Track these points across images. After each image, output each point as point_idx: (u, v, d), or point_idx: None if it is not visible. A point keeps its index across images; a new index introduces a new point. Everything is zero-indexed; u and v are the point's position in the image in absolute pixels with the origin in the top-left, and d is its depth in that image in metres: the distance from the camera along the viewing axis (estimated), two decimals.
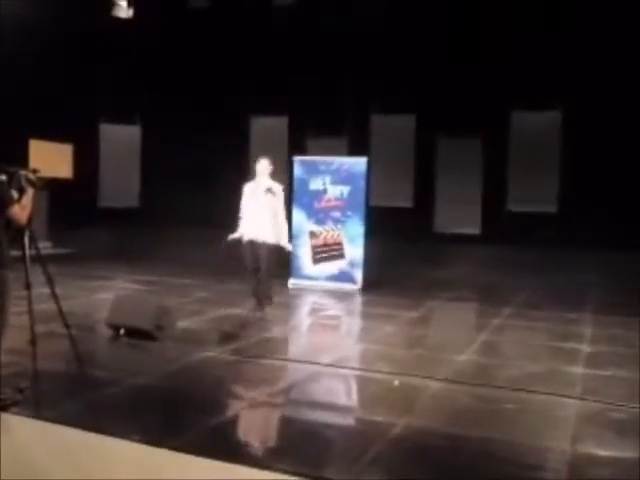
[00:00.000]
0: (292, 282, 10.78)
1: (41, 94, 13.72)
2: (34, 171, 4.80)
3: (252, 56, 14.49)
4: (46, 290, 4.91)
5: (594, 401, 5.02)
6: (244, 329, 7.37)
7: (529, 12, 12.53)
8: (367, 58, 13.59)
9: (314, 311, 9.52)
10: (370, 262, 10.68)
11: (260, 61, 14.44)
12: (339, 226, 10.75)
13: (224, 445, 4.16)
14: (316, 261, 10.87)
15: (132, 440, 3.96)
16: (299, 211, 10.91)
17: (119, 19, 13.81)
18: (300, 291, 10.44)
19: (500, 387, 5.33)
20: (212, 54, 14.96)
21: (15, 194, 4.64)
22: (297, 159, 11.27)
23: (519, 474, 3.82)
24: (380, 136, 14.66)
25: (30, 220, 4.73)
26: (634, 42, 11.83)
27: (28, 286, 4.66)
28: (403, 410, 4.75)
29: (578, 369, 6.03)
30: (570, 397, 5.10)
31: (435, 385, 5.38)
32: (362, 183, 10.66)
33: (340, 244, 10.76)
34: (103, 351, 6.46)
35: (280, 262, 7.98)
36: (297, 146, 13.85)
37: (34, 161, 12.95)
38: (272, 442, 4.32)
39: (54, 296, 4.95)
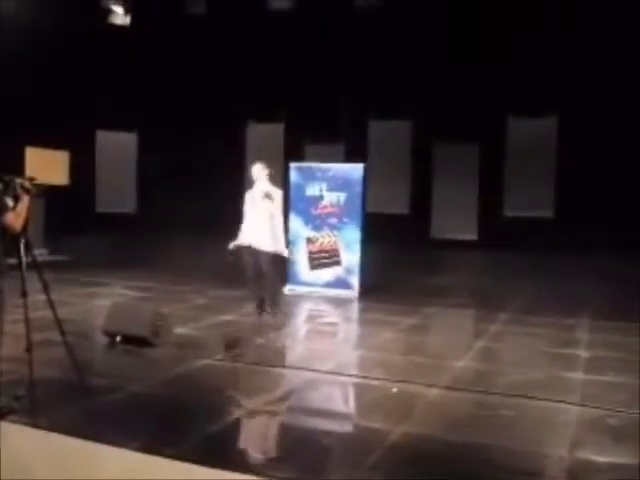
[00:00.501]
0: (289, 288, 10.76)
1: (37, 101, 13.70)
2: (30, 179, 4.79)
3: (248, 63, 14.50)
4: (42, 297, 4.88)
5: (593, 407, 5.01)
6: (241, 336, 7.35)
7: (525, 18, 12.55)
8: (364, 64, 13.60)
9: (311, 318, 9.51)
10: (367, 268, 10.67)
11: (257, 67, 14.44)
12: (336, 232, 10.74)
13: (222, 453, 4.14)
14: (313, 267, 10.87)
15: (129, 448, 3.94)
16: (296, 217, 10.91)
17: (116, 26, 13.81)
18: (297, 297, 10.43)
19: (498, 393, 5.32)
20: (209, 61, 14.96)
21: (10, 202, 4.62)
22: (294, 165, 11.27)
23: None
24: (377, 142, 14.67)
25: (26, 227, 4.71)
26: (631, 48, 11.85)
27: (24, 294, 4.63)
28: (401, 417, 4.74)
29: (577, 375, 6.02)
30: (569, 403, 5.09)
31: (433, 392, 5.37)
32: (359, 189, 10.67)
33: (337, 250, 10.76)
34: (100, 358, 6.43)
35: (280, 268, 7.93)
36: (294, 152, 13.84)
37: (30, 168, 12.95)
38: (270, 450, 4.30)
39: (50, 303, 4.93)
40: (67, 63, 14.31)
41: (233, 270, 8.47)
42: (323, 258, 10.83)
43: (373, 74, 13.67)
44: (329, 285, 10.73)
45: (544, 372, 6.14)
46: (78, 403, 4.82)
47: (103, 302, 8.71)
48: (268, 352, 6.78)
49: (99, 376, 5.55)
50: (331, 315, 9.54)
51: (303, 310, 9.92)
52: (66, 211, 14.03)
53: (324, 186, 10.81)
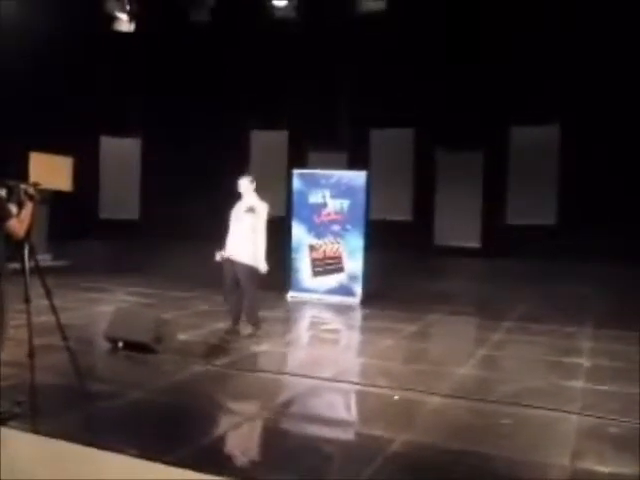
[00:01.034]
0: (291, 295, 10.78)
1: (41, 106, 13.75)
2: (34, 185, 4.81)
3: (252, 70, 14.54)
4: (45, 302, 4.90)
5: (594, 416, 5.00)
6: (243, 342, 7.35)
7: (528, 25, 12.58)
8: (367, 71, 13.64)
9: (313, 324, 9.51)
10: (369, 275, 10.68)
11: (260, 75, 14.48)
12: (339, 239, 10.76)
13: (222, 459, 4.15)
14: (315, 274, 10.88)
15: (130, 454, 3.94)
16: (299, 224, 10.93)
17: (121, 32, 13.85)
18: (299, 304, 10.44)
19: (499, 402, 5.32)
20: (212, 68, 15.00)
21: (14, 208, 4.64)
22: (297, 172, 11.29)
23: None
24: (380, 150, 14.69)
25: (29, 233, 4.73)
26: (633, 55, 11.87)
27: (27, 299, 4.65)
28: (402, 425, 4.74)
29: (578, 384, 6.02)
30: (570, 412, 5.09)
31: (434, 400, 5.36)
32: (362, 196, 10.68)
33: (339, 257, 10.77)
34: (101, 364, 6.43)
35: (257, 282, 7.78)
36: (297, 159, 13.87)
37: (34, 174, 12.98)
38: (270, 457, 4.30)
39: (53, 309, 4.94)
40: (71, 68, 14.36)
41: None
42: (326, 265, 10.84)
43: (376, 81, 13.70)
44: (332, 292, 10.74)
45: (545, 381, 6.13)
46: (79, 409, 4.83)
47: (105, 308, 8.73)
48: (270, 359, 6.79)
49: (100, 382, 5.55)
50: (333, 322, 9.54)
51: (306, 317, 9.93)
52: (69, 217, 14.07)
53: (327, 193, 10.83)
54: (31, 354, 4.60)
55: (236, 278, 7.54)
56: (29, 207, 4.68)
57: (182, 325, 7.74)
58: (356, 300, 10.53)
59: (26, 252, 4.74)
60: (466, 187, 14.04)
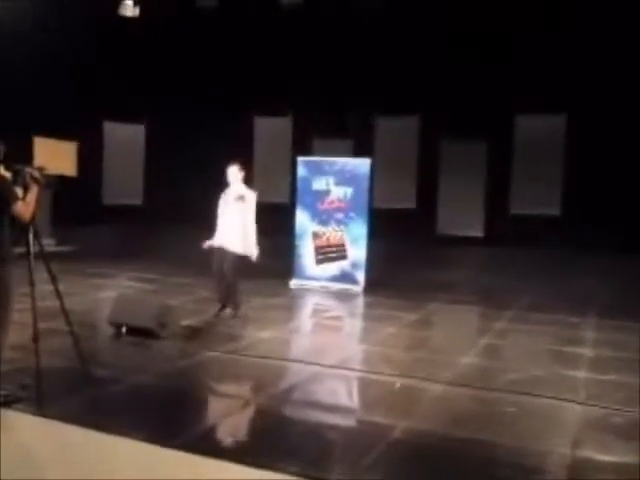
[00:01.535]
0: (294, 282, 10.79)
1: (45, 91, 13.73)
2: (40, 169, 4.81)
3: (257, 56, 14.49)
4: (49, 287, 4.91)
5: (596, 406, 5.02)
6: (246, 328, 7.38)
7: (534, 14, 12.51)
8: (372, 59, 13.58)
9: (316, 312, 9.53)
10: (373, 263, 10.68)
11: (265, 61, 14.44)
12: (342, 227, 10.75)
13: (225, 444, 4.17)
14: (319, 262, 10.89)
15: (134, 438, 3.97)
16: (302, 211, 10.93)
17: (126, 17, 13.80)
18: (302, 291, 10.45)
19: (502, 390, 5.33)
20: (217, 54, 14.96)
21: (20, 191, 4.65)
22: (301, 159, 11.27)
23: (520, 477, 3.82)
24: (384, 138, 14.67)
25: (34, 217, 4.74)
26: (639, 46, 11.81)
27: (32, 283, 4.66)
28: (404, 412, 4.76)
29: (580, 373, 6.03)
30: (572, 401, 5.10)
31: (437, 388, 5.38)
32: (365, 184, 10.67)
33: (343, 245, 10.77)
34: (105, 349, 6.46)
35: (246, 270, 7.84)
36: (301, 146, 13.85)
37: (38, 159, 12.96)
38: (274, 442, 4.32)
39: (57, 293, 4.96)
40: (75, 54, 14.32)
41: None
42: (329, 253, 10.85)
43: (381, 70, 13.65)
44: (335, 279, 10.75)
45: (548, 370, 6.14)
46: (83, 393, 4.86)
47: (109, 293, 8.76)
48: (273, 345, 6.80)
49: (104, 366, 5.58)
50: (336, 309, 9.56)
51: (308, 304, 9.94)
52: (73, 202, 14.07)
53: (331, 180, 10.81)
54: (36, 338, 4.62)
55: (223, 266, 7.60)
56: (34, 191, 4.68)
57: (186, 311, 7.77)
58: (359, 288, 10.54)
59: (31, 236, 4.76)
60: (470, 176, 14.01)
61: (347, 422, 4.83)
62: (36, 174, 4.73)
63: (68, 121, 14.15)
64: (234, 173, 7.86)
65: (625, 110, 12.19)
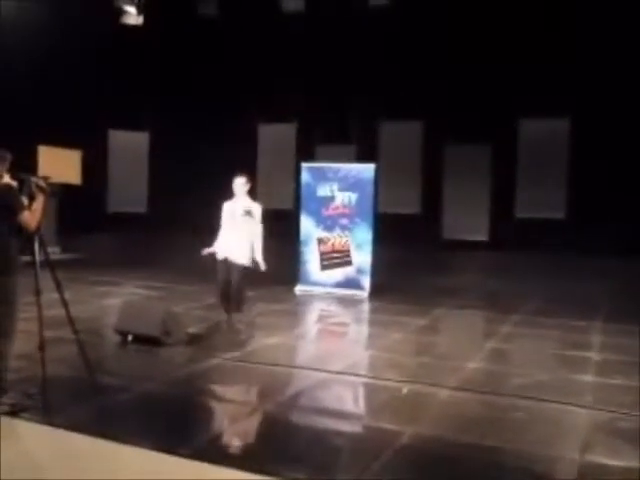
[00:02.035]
0: (299, 288, 10.79)
1: (50, 100, 13.78)
2: (45, 178, 4.82)
3: (260, 63, 14.53)
4: (55, 296, 4.92)
5: (603, 410, 5.00)
6: (252, 335, 7.37)
7: (537, 18, 12.53)
8: (376, 64, 13.61)
9: (322, 318, 9.52)
10: (378, 269, 10.67)
11: (269, 68, 14.47)
12: (347, 233, 10.75)
13: (231, 452, 4.16)
14: (324, 267, 10.88)
15: (141, 446, 3.97)
16: (307, 217, 10.93)
17: (129, 26, 13.86)
18: (307, 297, 10.45)
19: (509, 395, 5.32)
20: (221, 61, 15.00)
21: (25, 200, 4.66)
22: (305, 166, 11.28)
23: None
24: (388, 143, 14.67)
25: (40, 226, 4.75)
26: None
27: (38, 292, 4.67)
28: (411, 418, 4.74)
29: (587, 377, 6.00)
30: (579, 406, 5.09)
31: (443, 393, 5.37)
32: (370, 190, 10.66)
33: (348, 251, 10.76)
34: (112, 357, 6.46)
35: (251, 276, 7.87)
36: (305, 153, 13.87)
37: (43, 167, 13.01)
38: (280, 449, 4.31)
39: (63, 302, 4.96)
40: (80, 62, 14.38)
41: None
42: (334, 258, 10.84)
43: (384, 75, 13.66)
44: (340, 285, 10.74)
45: (555, 374, 6.13)
46: (90, 401, 4.85)
47: (115, 301, 8.77)
48: (279, 352, 6.80)
49: (110, 375, 5.58)
50: (341, 315, 9.55)
51: (314, 310, 9.93)
52: (78, 210, 14.10)
53: (335, 186, 10.81)
54: (42, 347, 4.62)
55: (230, 277, 7.60)
56: (40, 200, 4.69)
57: (192, 318, 7.77)
58: (364, 293, 10.53)
59: (36, 245, 4.77)
60: (474, 180, 14.01)
61: (354, 428, 4.82)
62: (42, 183, 4.74)
63: (73, 129, 14.20)
64: (240, 185, 7.85)
65: (628, 113, 12.19)
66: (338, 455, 4.19)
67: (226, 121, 14.92)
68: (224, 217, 7.87)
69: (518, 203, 13.82)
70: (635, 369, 6.21)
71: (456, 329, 9.04)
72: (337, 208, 10.76)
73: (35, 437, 4.21)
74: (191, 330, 7.20)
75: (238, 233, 7.64)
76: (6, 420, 4.28)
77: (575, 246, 12.05)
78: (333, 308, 9.86)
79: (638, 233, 11.77)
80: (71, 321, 5.02)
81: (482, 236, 13.97)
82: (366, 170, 10.78)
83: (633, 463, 4.05)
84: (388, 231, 11.42)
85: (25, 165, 5.14)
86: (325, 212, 10.84)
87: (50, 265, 4.85)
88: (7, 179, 4.67)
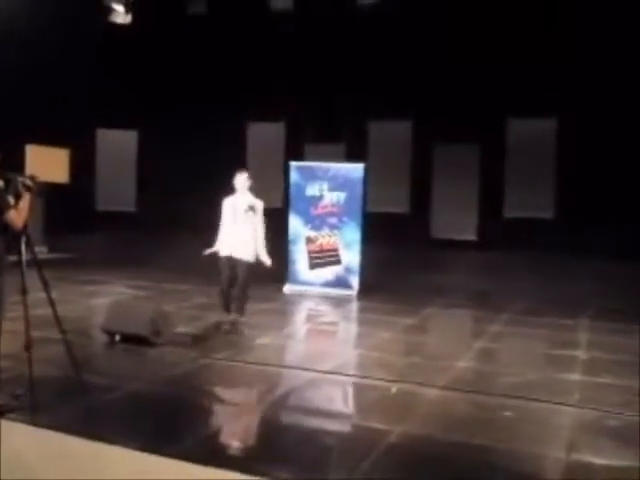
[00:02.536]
0: (288, 287, 10.78)
1: (38, 98, 13.71)
2: (32, 177, 4.79)
3: (249, 62, 14.50)
4: (42, 295, 4.88)
5: (591, 409, 5.02)
6: (242, 335, 7.35)
7: (525, 18, 12.57)
8: (364, 63, 13.61)
9: (310, 317, 9.51)
10: (366, 268, 10.67)
11: (257, 67, 14.45)
12: (335, 232, 10.75)
13: (221, 452, 4.15)
14: (312, 266, 10.88)
15: (129, 447, 3.94)
16: (295, 217, 10.92)
17: (117, 24, 13.80)
18: (296, 296, 10.44)
19: (497, 394, 5.33)
20: (209, 60, 14.97)
21: (12, 199, 4.63)
22: (294, 165, 11.27)
23: None
24: (377, 142, 14.68)
25: (26, 225, 4.72)
26: (631, 50, 11.86)
27: (24, 291, 4.63)
28: (400, 417, 4.74)
29: (575, 376, 6.03)
30: (567, 405, 5.10)
31: (432, 392, 5.37)
32: (359, 189, 10.68)
33: (336, 250, 10.77)
34: (99, 357, 6.42)
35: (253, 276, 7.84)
36: (294, 152, 13.86)
37: (31, 166, 12.95)
38: (270, 449, 4.30)
39: (50, 301, 4.93)
40: (67, 61, 14.31)
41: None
42: (323, 257, 10.84)
43: (374, 74, 13.67)
44: (329, 284, 10.74)
45: (543, 373, 6.15)
46: (77, 401, 4.83)
47: (103, 300, 8.72)
48: (268, 351, 6.79)
49: (98, 374, 5.54)
50: (330, 314, 9.54)
51: (303, 309, 9.93)
52: (66, 209, 14.04)
53: (324, 186, 10.82)
54: (28, 346, 4.59)
55: (234, 275, 7.55)
56: (27, 198, 4.66)
57: (181, 317, 7.74)
58: (353, 292, 10.54)
59: (23, 244, 4.73)
60: (463, 180, 14.05)
61: (343, 428, 4.82)
62: (28, 182, 4.71)
63: (61, 128, 14.13)
64: (242, 181, 7.80)
65: (616, 113, 12.24)
66: (327, 455, 4.19)
67: (215, 120, 14.88)
68: (225, 213, 7.79)
69: (507, 203, 13.87)
70: (623, 368, 6.24)
71: (445, 328, 9.06)
72: (326, 207, 10.77)
73: (22, 438, 4.18)
74: (180, 329, 7.17)
75: (241, 229, 7.58)
76: None
77: (563, 245, 12.10)
78: (322, 307, 9.86)
79: (627, 233, 11.84)
80: (58, 321, 4.99)
81: (471, 235, 14.01)
82: (355, 170, 10.79)
83: (619, 462, 4.07)
84: (377, 230, 11.43)
85: (13, 164, 5.11)
86: (314, 211, 10.84)
87: (37, 264, 4.82)
88: None
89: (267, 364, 6.14)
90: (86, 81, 14.73)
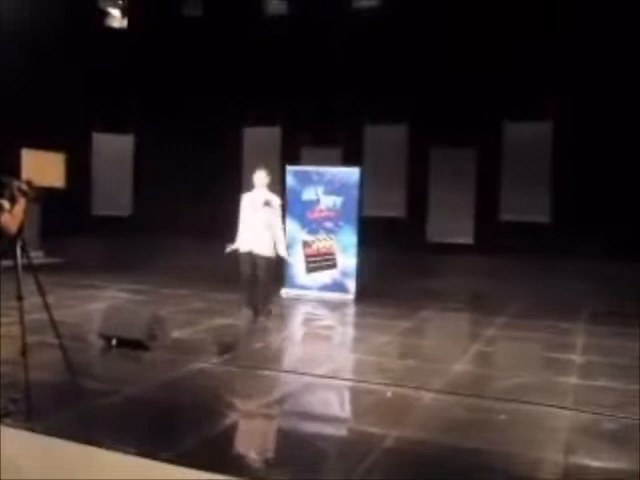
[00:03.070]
0: (285, 291, 10.77)
1: (33, 102, 13.69)
2: (28, 183, 4.79)
3: (245, 65, 14.50)
4: (38, 300, 4.88)
5: (587, 412, 5.02)
6: (238, 339, 7.35)
7: (521, 22, 12.59)
8: (360, 67, 13.62)
9: (307, 321, 9.51)
10: (363, 272, 10.68)
11: (253, 70, 14.45)
12: (332, 236, 10.76)
13: (218, 457, 4.14)
14: (309, 270, 10.88)
15: (126, 452, 3.94)
16: (292, 221, 10.92)
17: (113, 28, 13.80)
18: (293, 300, 10.44)
19: (493, 398, 5.33)
20: (206, 63, 14.97)
21: (6, 204, 4.63)
22: (290, 169, 11.28)
23: None
24: (373, 146, 14.68)
25: (21, 230, 4.71)
26: (625, 52, 11.90)
27: (20, 296, 4.63)
28: (396, 421, 4.74)
29: (571, 379, 6.03)
30: (563, 408, 5.11)
31: (428, 396, 5.37)
32: (355, 193, 10.69)
33: (333, 254, 10.78)
34: (95, 362, 6.41)
35: (277, 273, 7.97)
36: (290, 156, 13.85)
37: (26, 171, 12.92)
38: (266, 453, 4.30)
39: (46, 306, 4.93)
40: (62, 64, 14.30)
41: (230, 273, 8.47)
42: (319, 261, 10.85)
43: (370, 77, 13.68)
44: (325, 288, 10.74)
45: (539, 376, 6.15)
46: (74, 406, 4.82)
47: (99, 305, 8.70)
48: (264, 356, 6.79)
49: (94, 379, 5.53)
50: (327, 318, 9.54)
51: (299, 313, 9.92)
52: (62, 213, 14.00)
53: (320, 190, 10.83)
54: (24, 351, 4.59)
55: (254, 271, 7.60)
56: (22, 203, 4.67)
57: (177, 322, 7.73)
58: (350, 296, 10.54)
59: (18, 249, 4.73)
60: (459, 183, 14.04)
61: (339, 432, 4.82)
62: (24, 187, 4.71)
63: (56, 132, 14.11)
64: (262, 178, 7.91)
65: (613, 115, 12.27)
66: (323, 459, 4.18)
67: (211, 124, 14.88)
68: (244, 208, 7.87)
69: (503, 206, 13.86)
70: (618, 371, 6.25)
71: (441, 332, 9.06)
72: (322, 211, 10.77)
73: (18, 443, 4.17)
74: (176, 334, 7.17)
75: (261, 224, 7.65)
76: None
77: (559, 249, 12.11)
78: (319, 311, 9.86)
79: (623, 235, 11.85)
80: (54, 325, 4.99)
81: (467, 239, 14.00)
82: (351, 174, 10.81)
83: (615, 464, 4.08)
84: (373, 234, 11.44)
85: (9, 168, 5.11)
86: (310, 215, 10.85)
87: (33, 269, 4.81)
88: None
89: (264, 368, 6.13)
90: (82, 85, 14.71)
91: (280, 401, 5.31)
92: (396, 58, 13.51)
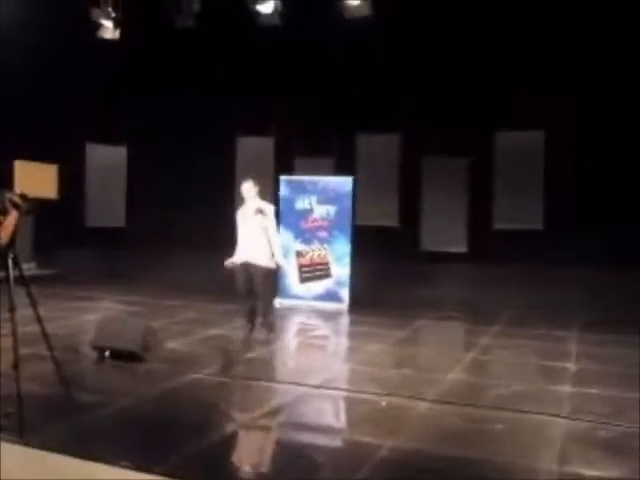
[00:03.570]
0: (279, 301, 10.76)
1: (26, 113, 13.68)
2: (22, 195, 4.78)
3: (238, 76, 14.53)
4: (30, 312, 4.85)
5: (581, 420, 5.02)
6: (232, 350, 7.33)
7: (514, 32, 12.65)
8: (353, 77, 13.65)
9: (301, 331, 9.50)
10: (357, 281, 10.68)
11: (246, 81, 14.47)
12: (325, 245, 10.77)
13: (212, 469, 4.12)
14: (303, 280, 10.88)
15: (120, 466, 3.91)
16: (286, 231, 10.92)
17: (106, 40, 13.78)
18: (287, 310, 10.42)
19: (488, 407, 5.33)
20: (198, 75, 14.98)
21: None
22: (283, 179, 11.30)
23: None
24: (366, 155, 14.70)
25: (13, 242, 4.70)
26: (619, 62, 11.96)
27: (12, 308, 4.61)
28: (391, 431, 4.73)
29: (565, 388, 6.04)
30: (557, 416, 5.10)
31: (423, 405, 5.36)
32: (348, 202, 10.71)
33: (326, 263, 10.78)
34: (88, 374, 6.39)
35: (273, 283, 7.92)
36: (283, 166, 13.86)
37: (19, 182, 12.90)
38: (260, 465, 4.28)
39: (38, 318, 4.90)
40: (56, 76, 14.30)
41: (224, 284, 8.45)
42: (313, 271, 10.85)
43: (362, 87, 13.71)
44: (319, 298, 10.73)
45: (533, 385, 6.15)
46: (67, 420, 4.79)
47: (92, 317, 8.68)
48: (258, 366, 6.77)
49: (88, 392, 5.51)
50: (321, 328, 9.54)
51: (293, 323, 9.91)
52: (55, 225, 13.97)
53: (314, 199, 10.85)
54: (16, 364, 4.56)
55: (250, 281, 7.56)
56: (13, 215, 4.65)
57: (170, 333, 7.71)
58: (344, 306, 10.53)
59: (10, 261, 4.71)
60: (452, 192, 14.06)
61: (333, 442, 4.80)
62: (16, 199, 4.70)
63: (50, 143, 14.10)
64: (249, 189, 7.85)
65: (605, 124, 12.32)
66: (317, 470, 4.17)
67: (204, 135, 14.89)
68: (238, 222, 7.85)
69: (496, 215, 13.89)
70: (612, 379, 6.26)
71: (436, 341, 9.06)
72: (315, 221, 10.78)
73: (11, 458, 4.13)
74: (170, 345, 7.14)
75: (252, 234, 7.60)
76: None
77: (553, 257, 12.13)
78: (313, 321, 9.85)
79: (616, 243, 11.88)
80: (46, 338, 4.96)
81: (461, 248, 14.01)
82: (344, 183, 10.83)
83: (610, 473, 4.07)
84: (367, 243, 11.44)
85: (1, 180, 5.10)
86: (304, 225, 10.86)
87: (25, 281, 4.79)
88: None
89: (257, 379, 6.12)
90: (75, 96, 14.70)
91: (275, 412, 5.29)
92: (388, 68, 13.54)
